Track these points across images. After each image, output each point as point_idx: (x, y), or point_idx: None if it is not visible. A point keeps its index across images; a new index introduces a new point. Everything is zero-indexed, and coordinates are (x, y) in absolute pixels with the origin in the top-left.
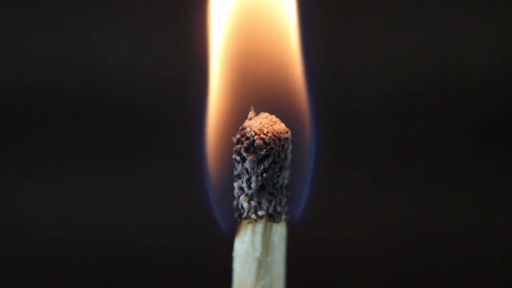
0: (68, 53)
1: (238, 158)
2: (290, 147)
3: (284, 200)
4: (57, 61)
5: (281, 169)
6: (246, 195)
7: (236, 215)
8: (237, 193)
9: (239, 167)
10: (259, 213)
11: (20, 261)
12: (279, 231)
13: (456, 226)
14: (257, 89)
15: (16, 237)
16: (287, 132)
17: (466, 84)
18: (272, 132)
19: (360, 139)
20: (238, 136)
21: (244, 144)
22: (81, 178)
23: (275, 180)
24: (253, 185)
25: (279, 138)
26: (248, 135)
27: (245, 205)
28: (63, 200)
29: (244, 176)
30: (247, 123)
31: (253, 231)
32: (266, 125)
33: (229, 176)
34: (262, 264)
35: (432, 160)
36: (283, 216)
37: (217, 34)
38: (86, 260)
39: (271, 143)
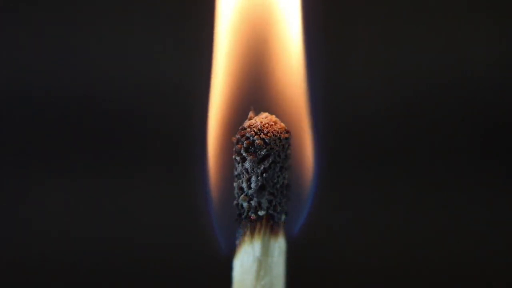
0: (64, 55)
1: (238, 158)
2: (290, 150)
3: (285, 200)
4: (54, 66)
5: (281, 169)
6: (246, 195)
7: (235, 215)
8: (237, 193)
9: (239, 167)
10: (259, 213)
11: (17, 262)
12: (279, 231)
13: (466, 244)
14: (257, 89)
15: (13, 240)
16: (287, 132)
17: (470, 90)
18: (272, 132)
19: (364, 147)
20: (238, 136)
21: (244, 144)
22: (76, 185)
23: (275, 180)
24: (253, 185)
25: (279, 138)
26: (248, 135)
27: (245, 205)
28: (53, 207)
29: (244, 176)
30: (247, 123)
31: (253, 231)
32: (266, 125)
33: (229, 177)
34: (262, 264)
35: (439, 171)
36: (283, 217)
37: (219, 34)
38: (82, 275)
39: (271, 143)
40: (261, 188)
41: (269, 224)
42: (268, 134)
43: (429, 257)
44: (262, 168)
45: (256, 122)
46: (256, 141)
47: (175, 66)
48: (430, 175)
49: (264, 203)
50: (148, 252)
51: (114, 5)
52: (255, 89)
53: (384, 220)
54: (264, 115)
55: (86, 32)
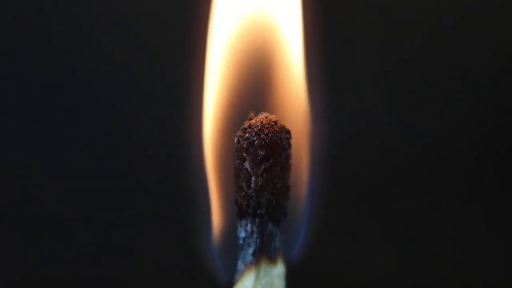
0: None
1: (238, 158)
2: (291, 150)
3: (285, 200)
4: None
5: (281, 169)
6: (246, 195)
7: (235, 215)
8: (237, 193)
9: (239, 167)
10: (259, 212)
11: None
12: (277, 232)
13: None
14: (258, 90)
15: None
16: (287, 132)
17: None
18: (272, 132)
19: (364, 155)
20: (238, 136)
21: (244, 144)
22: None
23: (275, 180)
24: (253, 185)
25: (279, 138)
26: (248, 135)
27: (245, 204)
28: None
29: (244, 176)
30: (247, 123)
31: (252, 229)
32: (267, 125)
33: (229, 180)
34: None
35: (444, 194)
36: (282, 218)
37: (219, 37)
38: None
39: (272, 143)
40: (261, 188)
41: (269, 224)
42: (269, 134)
43: (433, 281)
44: (262, 168)
45: (257, 122)
46: (256, 141)
47: (175, 68)
48: (435, 196)
49: (264, 203)
50: (146, 278)
51: (114, 9)
52: (256, 90)
53: (385, 237)
54: (264, 115)
55: (87, 38)
